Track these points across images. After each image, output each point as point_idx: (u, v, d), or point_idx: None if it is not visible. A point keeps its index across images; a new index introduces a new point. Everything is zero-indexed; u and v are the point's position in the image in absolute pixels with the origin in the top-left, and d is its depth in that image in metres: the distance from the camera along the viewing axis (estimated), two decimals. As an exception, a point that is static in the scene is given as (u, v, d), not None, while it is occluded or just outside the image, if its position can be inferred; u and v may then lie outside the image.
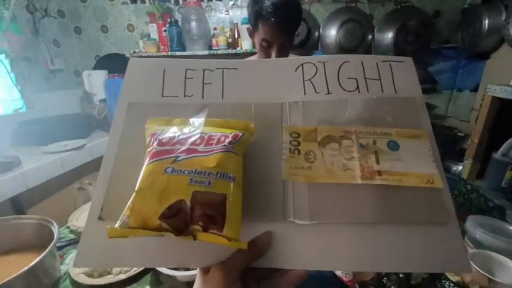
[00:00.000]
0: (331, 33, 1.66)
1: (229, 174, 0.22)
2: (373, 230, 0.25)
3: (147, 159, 0.23)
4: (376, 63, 0.32)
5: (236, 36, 1.69)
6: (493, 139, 1.05)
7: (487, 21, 1.39)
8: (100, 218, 0.25)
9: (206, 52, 1.66)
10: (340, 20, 1.62)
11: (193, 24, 1.62)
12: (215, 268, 0.22)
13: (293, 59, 0.33)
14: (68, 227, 0.74)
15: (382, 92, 0.31)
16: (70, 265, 0.59)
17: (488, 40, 1.42)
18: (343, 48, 1.66)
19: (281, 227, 0.25)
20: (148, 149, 0.24)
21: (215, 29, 1.70)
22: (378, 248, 0.24)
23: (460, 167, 1.26)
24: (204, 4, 1.74)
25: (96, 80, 1.66)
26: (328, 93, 0.31)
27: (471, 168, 1.11)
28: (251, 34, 0.92)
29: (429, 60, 1.76)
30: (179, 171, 0.21)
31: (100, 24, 1.83)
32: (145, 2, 1.77)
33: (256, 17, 0.81)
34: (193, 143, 0.24)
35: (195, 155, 0.23)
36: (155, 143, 0.24)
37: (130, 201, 0.21)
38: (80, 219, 0.78)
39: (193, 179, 0.21)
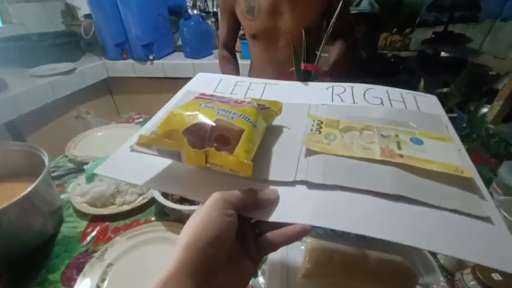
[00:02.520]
0: None
1: (251, 119, 0.25)
2: (392, 202, 0.21)
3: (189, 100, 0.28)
4: (401, 93, 0.36)
5: None
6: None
7: None
8: (131, 147, 0.26)
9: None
10: None
11: None
12: (214, 194, 0.21)
13: (325, 83, 0.39)
14: (66, 156, 0.71)
15: (406, 108, 0.33)
16: (72, 194, 0.57)
17: None
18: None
19: (292, 185, 0.24)
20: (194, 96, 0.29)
21: None
22: (394, 218, 0.20)
23: (485, 110, 1.16)
24: None
25: (76, -11, 1.40)
26: (354, 102, 0.34)
27: (499, 111, 1.01)
28: None
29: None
30: (211, 107, 0.25)
31: None
32: None
33: None
34: (228, 99, 0.29)
35: (227, 103, 0.27)
36: (199, 95, 0.30)
37: (164, 119, 0.24)
38: (77, 148, 0.74)
39: (220, 112, 0.24)
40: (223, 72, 0.95)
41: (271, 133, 0.29)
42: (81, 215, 0.54)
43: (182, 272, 0.17)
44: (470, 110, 1.20)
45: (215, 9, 1.56)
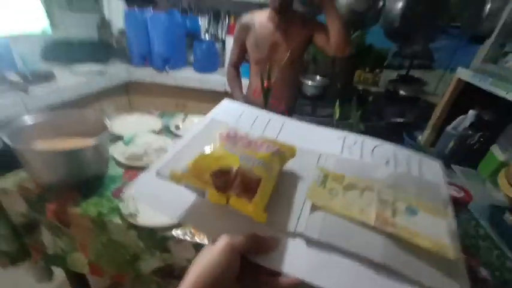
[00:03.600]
0: (344, -7, 1.69)
1: (268, 167, 0.28)
2: (376, 274, 0.24)
3: (217, 140, 0.32)
4: (408, 155, 0.37)
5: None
6: (452, 115, 1.25)
7: (488, 6, 1.47)
8: (157, 172, 0.29)
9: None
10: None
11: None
12: (222, 236, 0.24)
13: (340, 131, 0.41)
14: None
15: (409, 172, 0.35)
16: (113, 152, 0.84)
17: (486, 24, 1.51)
18: (353, 11, 1.72)
19: (292, 237, 0.27)
20: (220, 134, 0.33)
21: (233, -29, 1.71)
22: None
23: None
24: None
25: (114, 8, 1.74)
26: (361, 157, 0.37)
27: (428, 137, 1.34)
28: None
29: (432, 35, 1.84)
30: (235, 152, 0.29)
31: None
32: None
33: None
34: (251, 142, 0.32)
35: (249, 147, 0.31)
36: (226, 133, 0.33)
37: (194, 159, 0.28)
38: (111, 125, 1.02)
39: (243, 158, 0.28)
40: (231, 86, 1.28)
41: (283, 177, 0.32)
42: (120, 165, 0.81)
43: None
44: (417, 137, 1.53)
45: (223, 37, 1.92)
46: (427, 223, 0.27)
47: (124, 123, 1.05)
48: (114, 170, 0.79)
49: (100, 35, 1.85)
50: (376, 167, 0.34)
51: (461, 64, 1.86)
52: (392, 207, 0.28)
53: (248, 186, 0.26)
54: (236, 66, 1.28)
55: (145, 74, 1.74)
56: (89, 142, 0.68)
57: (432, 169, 0.36)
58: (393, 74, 2.02)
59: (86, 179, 0.71)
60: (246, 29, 1.14)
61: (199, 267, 0.22)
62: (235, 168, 0.27)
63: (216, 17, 1.94)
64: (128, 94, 1.84)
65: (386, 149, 0.38)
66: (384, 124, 1.77)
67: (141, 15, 1.56)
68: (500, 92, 0.88)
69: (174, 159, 0.31)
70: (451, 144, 1.17)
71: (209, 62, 1.78)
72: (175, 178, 0.26)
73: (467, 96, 1.19)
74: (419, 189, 0.31)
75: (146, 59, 1.71)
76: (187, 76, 1.74)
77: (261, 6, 1.79)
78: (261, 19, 1.12)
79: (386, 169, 0.34)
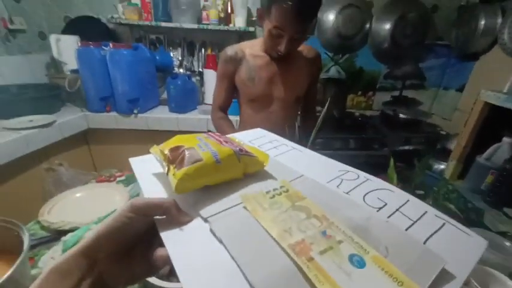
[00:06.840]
0: (329, 18, 1.57)
1: (218, 157, 0.28)
2: None
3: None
4: (435, 215, 0.26)
5: (229, 11, 1.55)
6: (477, 142, 1.09)
7: (482, 22, 1.39)
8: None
9: (195, 26, 1.51)
10: (340, 5, 1.54)
11: (182, -9, 1.45)
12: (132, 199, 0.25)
13: (344, 166, 0.34)
14: (39, 222, 0.66)
15: (406, 230, 0.23)
16: (43, 270, 0.52)
17: (481, 41, 1.43)
18: (340, 35, 1.59)
19: (202, 222, 0.25)
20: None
21: (206, 0, 1.54)
22: None
23: (442, 166, 1.31)
24: (194, -31, 1.55)
25: (66, 46, 1.45)
26: (347, 192, 0.29)
27: (454, 169, 1.15)
28: (260, 16, 0.82)
29: (421, 55, 1.76)
30: (199, 140, 0.31)
31: (70, -21, 1.57)
32: (125, -41, 1.54)
33: None
34: (224, 139, 0.33)
35: (217, 142, 0.31)
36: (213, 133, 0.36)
37: (171, 139, 0.32)
38: (52, 212, 0.69)
39: (202, 144, 0.29)
40: (222, 131, 0.98)
41: (240, 180, 0.30)
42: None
43: (78, 252, 0.22)
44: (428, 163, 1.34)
45: (200, 69, 1.69)
46: (369, 284, 0.18)
47: (67, 206, 0.73)
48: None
49: (49, 79, 1.54)
50: (354, 204, 0.27)
51: (455, 81, 1.79)
52: (330, 245, 0.21)
53: (186, 158, 0.27)
54: (224, 108, 1.02)
55: (107, 120, 1.43)
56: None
57: (463, 247, 0.22)
58: (386, 96, 1.91)
59: None
60: (235, 62, 0.90)
61: (103, 223, 0.23)
62: (185, 147, 0.28)
63: (189, 50, 1.72)
64: (89, 146, 1.50)
65: (396, 194, 0.29)
66: (388, 153, 1.59)
67: (98, 52, 1.28)
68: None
69: None
70: (490, 179, 0.99)
71: (186, 99, 1.52)
72: (154, 149, 0.31)
73: (493, 120, 1.04)
74: (403, 254, 0.21)
75: (108, 103, 1.41)
76: (161, 117, 1.45)
77: (240, 35, 1.62)
78: (252, 50, 0.90)
79: (370, 212, 0.26)
